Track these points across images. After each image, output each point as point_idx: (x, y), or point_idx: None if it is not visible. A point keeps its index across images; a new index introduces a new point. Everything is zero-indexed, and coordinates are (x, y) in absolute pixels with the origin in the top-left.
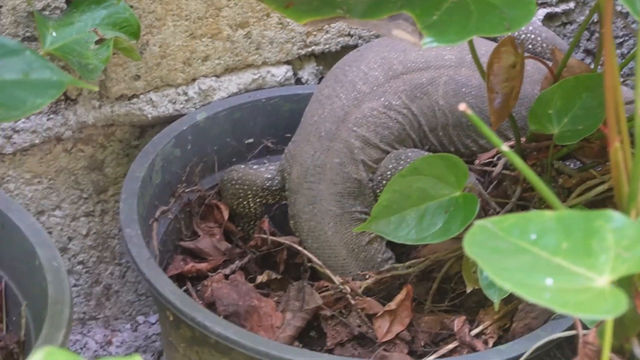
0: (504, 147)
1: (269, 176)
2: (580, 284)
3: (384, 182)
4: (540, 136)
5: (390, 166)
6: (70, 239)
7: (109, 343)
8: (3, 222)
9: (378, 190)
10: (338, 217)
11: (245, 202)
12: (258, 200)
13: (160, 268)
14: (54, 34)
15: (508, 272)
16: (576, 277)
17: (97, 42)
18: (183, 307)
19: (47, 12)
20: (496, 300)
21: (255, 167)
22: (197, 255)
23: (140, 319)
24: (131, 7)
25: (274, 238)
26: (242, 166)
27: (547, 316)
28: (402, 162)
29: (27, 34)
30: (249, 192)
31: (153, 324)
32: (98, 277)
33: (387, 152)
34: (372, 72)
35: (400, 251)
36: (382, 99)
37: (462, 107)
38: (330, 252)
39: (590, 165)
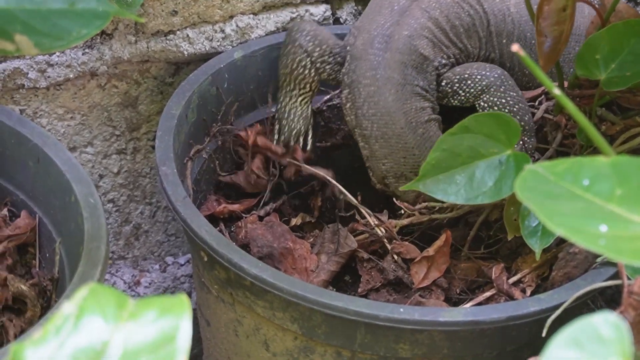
0: (556, 90)
1: (340, 43)
2: (636, 231)
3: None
4: (584, 83)
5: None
6: (101, 176)
7: (137, 283)
8: (38, 157)
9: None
10: (400, 86)
11: (307, 61)
12: (319, 65)
13: (196, 208)
14: None
15: (561, 217)
16: (631, 225)
17: None
18: (219, 247)
19: None
20: (538, 249)
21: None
22: (235, 189)
23: (169, 259)
24: None
25: (308, 167)
26: (313, 21)
27: (587, 265)
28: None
29: None
30: (316, 51)
31: (182, 265)
32: (128, 216)
33: (454, 44)
34: None
35: None
36: None
37: (515, 48)
38: (387, 119)
39: (635, 113)
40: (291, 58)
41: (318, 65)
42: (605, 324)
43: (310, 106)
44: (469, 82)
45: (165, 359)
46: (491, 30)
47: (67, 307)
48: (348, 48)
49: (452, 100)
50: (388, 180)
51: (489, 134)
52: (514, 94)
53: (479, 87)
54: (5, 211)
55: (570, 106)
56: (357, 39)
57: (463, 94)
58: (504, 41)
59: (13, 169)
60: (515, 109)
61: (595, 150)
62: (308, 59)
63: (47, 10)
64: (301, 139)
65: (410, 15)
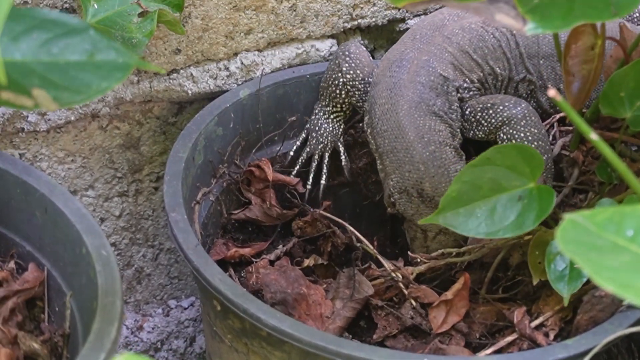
0: (593, 135)
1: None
2: None
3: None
4: (605, 118)
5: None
6: (102, 220)
7: (140, 328)
8: (46, 207)
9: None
10: (414, 103)
11: (340, 82)
12: (349, 88)
13: (208, 255)
14: (95, 5)
15: (609, 272)
16: None
17: (139, 15)
18: (234, 297)
19: None
20: (566, 294)
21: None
22: (242, 231)
23: (172, 303)
24: None
25: (327, 214)
26: (362, 46)
27: (614, 309)
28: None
29: (66, 5)
30: (349, 74)
31: (185, 308)
32: (130, 259)
33: (479, 64)
34: None
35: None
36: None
37: (552, 93)
38: (397, 132)
39: None
40: (329, 75)
41: (349, 88)
42: None
43: (342, 125)
44: (491, 111)
45: None
46: (521, 52)
47: None
48: (372, 79)
49: (477, 132)
50: (394, 198)
51: (512, 166)
52: (535, 131)
53: (500, 118)
54: (12, 264)
55: (608, 152)
56: (378, 67)
57: (485, 123)
58: (541, 62)
59: (19, 220)
60: (533, 146)
61: (615, 188)
62: (341, 80)
63: (65, 63)
64: (326, 155)
65: (431, 43)
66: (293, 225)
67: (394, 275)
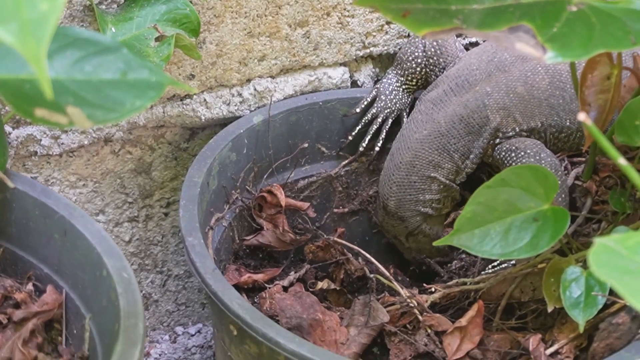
0: (622, 160)
1: (456, 59)
2: None
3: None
4: (619, 147)
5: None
6: None
7: (147, 355)
8: (65, 229)
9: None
10: (436, 133)
11: (422, 61)
12: (429, 69)
13: (226, 280)
14: (113, 29)
15: None
16: None
17: (156, 39)
18: (253, 321)
19: (103, 6)
20: (582, 321)
21: None
22: (253, 257)
23: (179, 329)
24: (190, 2)
25: (341, 240)
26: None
27: (631, 336)
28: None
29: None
30: (433, 58)
31: (192, 335)
32: (138, 285)
33: (543, 114)
34: None
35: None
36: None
37: (582, 117)
38: (402, 147)
39: None
40: (411, 50)
41: (427, 70)
42: None
43: (411, 95)
44: (513, 154)
45: None
46: None
47: None
48: (445, 72)
49: (501, 169)
50: (376, 204)
51: (526, 188)
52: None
53: (519, 163)
54: (30, 286)
55: (635, 177)
56: (451, 69)
57: (507, 164)
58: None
59: (37, 242)
60: None
61: (628, 218)
62: (421, 61)
63: (99, 81)
64: (390, 120)
65: (506, 72)
66: (305, 249)
67: (409, 302)
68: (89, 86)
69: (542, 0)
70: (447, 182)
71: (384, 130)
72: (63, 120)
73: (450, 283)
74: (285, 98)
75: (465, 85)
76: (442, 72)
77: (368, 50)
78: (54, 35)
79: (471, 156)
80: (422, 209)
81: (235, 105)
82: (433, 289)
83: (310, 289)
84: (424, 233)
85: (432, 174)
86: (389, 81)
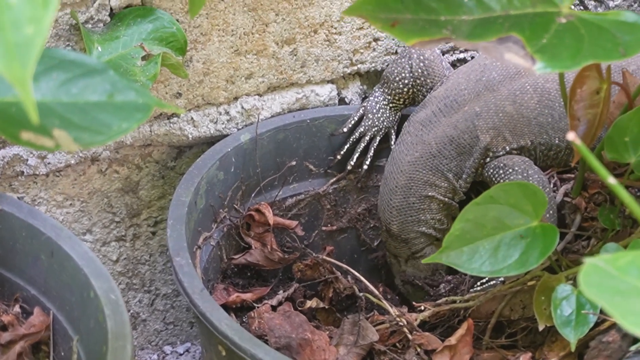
0: (611, 180)
1: (443, 78)
2: None
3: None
4: (608, 163)
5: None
6: None
7: None
8: (52, 250)
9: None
10: (427, 155)
11: (409, 81)
12: (416, 90)
13: (214, 300)
14: (99, 48)
15: (635, 316)
16: None
17: (143, 58)
18: (242, 342)
19: (89, 26)
20: (573, 339)
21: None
22: (241, 276)
23: (167, 349)
24: (177, 20)
25: (330, 259)
26: (437, 50)
27: (621, 354)
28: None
29: (69, 48)
30: (420, 79)
31: (181, 354)
32: (126, 304)
33: (533, 132)
34: None
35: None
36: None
37: (571, 136)
38: (395, 171)
39: None
40: (398, 70)
41: (414, 91)
42: None
43: (398, 113)
44: (501, 172)
45: None
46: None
47: None
48: (433, 92)
49: (490, 185)
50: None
51: (515, 205)
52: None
53: (507, 179)
54: (17, 308)
55: (625, 196)
56: (439, 89)
57: (495, 181)
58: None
59: (24, 263)
60: None
61: (618, 235)
62: (409, 82)
63: (85, 103)
64: (377, 138)
65: (494, 91)
66: (294, 267)
67: (398, 320)
68: (75, 108)
69: (531, 12)
70: (446, 199)
71: (372, 148)
72: (49, 144)
73: (439, 301)
74: (272, 116)
75: (454, 105)
76: (430, 91)
77: (355, 68)
78: (40, 57)
79: (464, 176)
80: (426, 230)
81: (223, 124)
82: (422, 307)
83: (299, 308)
84: (425, 257)
85: (429, 193)
86: (376, 99)
